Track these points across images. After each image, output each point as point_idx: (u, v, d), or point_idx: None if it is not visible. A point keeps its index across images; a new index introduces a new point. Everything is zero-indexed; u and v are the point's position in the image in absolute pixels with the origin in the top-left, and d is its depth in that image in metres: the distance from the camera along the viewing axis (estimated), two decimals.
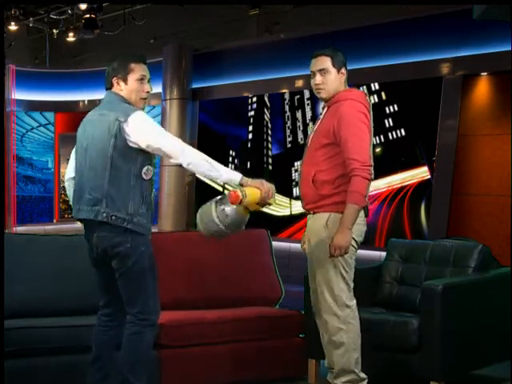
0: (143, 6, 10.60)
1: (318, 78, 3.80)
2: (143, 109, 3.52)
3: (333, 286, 3.71)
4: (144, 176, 3.35)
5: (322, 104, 4.00)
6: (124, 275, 3.38)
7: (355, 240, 3.72)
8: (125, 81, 3.46)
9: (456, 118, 7.53)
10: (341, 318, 3.71)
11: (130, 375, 3.38)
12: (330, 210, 3.73)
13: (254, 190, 3.29)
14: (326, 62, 3.80)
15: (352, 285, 3.77)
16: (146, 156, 3.36)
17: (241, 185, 3.30)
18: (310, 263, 3.89)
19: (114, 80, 3.48)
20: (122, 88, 3.46)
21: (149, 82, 3.52)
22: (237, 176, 3.33)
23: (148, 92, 3.49)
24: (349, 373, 3.75)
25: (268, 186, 3.32)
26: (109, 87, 3.52)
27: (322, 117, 3.87)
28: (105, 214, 3.32)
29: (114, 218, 3.31)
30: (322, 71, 3.79)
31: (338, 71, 3.81)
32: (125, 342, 3.41)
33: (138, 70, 3.46)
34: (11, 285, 3.93)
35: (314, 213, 3.80)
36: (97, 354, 3.53)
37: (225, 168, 3.33)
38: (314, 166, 3.78)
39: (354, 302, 3.76)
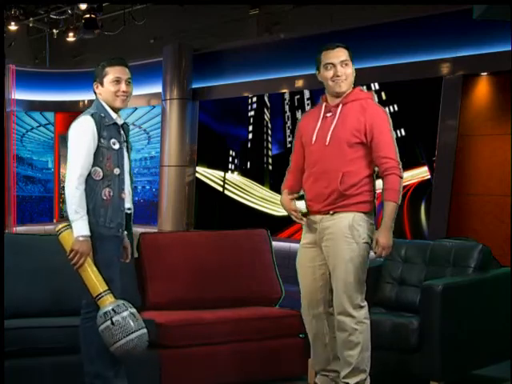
0: (143, 6, 10.60)
1: (341, 70, 3.76)
2: (118, 110, 3.68)
3: (351, 287, 3.70)
4: (94, 176, 3.54)
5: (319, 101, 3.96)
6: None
7: (372, 240, 3.73)
8: (101, 84, 3.66)
9: (456, 117, 7.53)
10: (356, 318, 3.71)
11: (98, 366, 3.52)
12: (355, 209, 3.73)
13: (70, 243, 3.48)
14: (345, 54, 3.81)
15: (365, 287, 3.77)
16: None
17: (77, 237, 3.46)
18: (315, 262, 3.86)
19: (94, 85, 3.70)
20: (100, 91, 3.67)
21: (129, 83, 3.67)
22: (76, 231, 3.47)
23: (125, 92, 3.64)
24: (360, 372, 3.76)
25: (79, 256, 3.46)
26: (94, 93, 3.73)
27: (337, 115, 3.77)
28: (64, 210, 3.62)
29: (65, 214, 3.57)
30: (344, 62, 3.78)
31: (353, 64, 3.83)
32: (80, 337, 3.59)
33: (112, 73, 3.64)
34: (11, 285, 3.93)
35: (334, 213, 3.75)
36: (84, 350, 3.62)
37: (80, 219, 3.46)
38: (341, 165, 3.71)
39: (366, 303, 3.77)
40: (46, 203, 12.28)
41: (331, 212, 3.75)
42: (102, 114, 3.59)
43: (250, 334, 4.33)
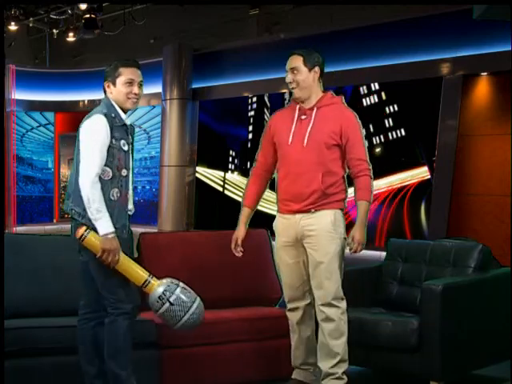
0: (143, 6, 10.60)
1: (289, 77, 3.93)
2: (127, 111, 3.69)
3: (336, 280, 3.85)
4: (103, 176, 3.51)
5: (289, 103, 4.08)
6: (90, 265, 3.57)
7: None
8: (114, 84, 3.64)
9: (456, 117, 7.53)
10: (340, 308, 3.86)
11: (112, 364, 3.54)
12: (335, 207, 3.89)
13: (97, 245, 3.44)
14: (297, 61, 3.93)
15: None
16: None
17: (105, 236, 3.43)
18: (298, 258, 3.96)
19: (105, 84, 3.68)
20: (111, 91, 3.65)
21: (141, 85, 3.67)
22: (102, 229, 3.43)
23: (136, 94, 3.65)
24: (344, 362, 3.88)
25: (113, 254, 3.42)
26: (104, 92, 3.71)
27: (312, 118, 3.90)
28: (69, 208, 3.57)
29: (73, 211, 3.55)
30: (293, 70, 3.92)
31: (310, 70, 3.92)
32: (105, 333, 3.59)
33: (126, 74, 3.63)
34: (11, 285, 3.93)
35: (316, 211, 3.88)
36: (82, 350, 3.67)
37: (104, 217, 3.43)
38: (320, 166, 3.86)
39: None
40: (45, 203, 12.28)
41: (313, 210, 3.89)
42: (113, 115, 3.58)
43: (249, 334, 4.33)
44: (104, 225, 3.44)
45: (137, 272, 3.51)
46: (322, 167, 3.86)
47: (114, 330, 3.53)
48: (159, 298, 3.47)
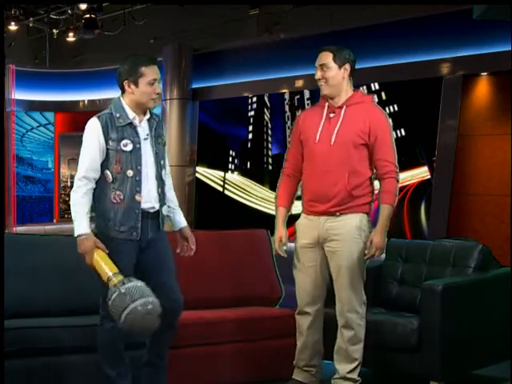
0: (143, 6, 10.60)
1: (318, 73, 3.86)
2: (146, 109, 3.59)
3: (358, 285, 3.84)
4: (106, 179, 3.48)
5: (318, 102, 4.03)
6: None
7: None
8: (136, 84, 3.50)
9: (456, 117, 7.54)
10: (360, 314, 3.85)
11: (102, 364, 3.55)
12: (361, 210, 3.84)
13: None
14: (326, 57, 3.85)
15: None
16: (103, 160, 3.49)
17: (77, 237, 3.44)
18: (317, 262, 3.92)
19: (125, 83, 3.52)
20: (132, 91, 3.51)
21: (159, 82, 3.56)
22: (76, 231, 3.44)
23: (158, 93, 3.55)
24: (360, 365, 3.88)
25: (83, 256, 3.43)
26: (121, 90, 3.58)
27: (341, 116, 3.83)
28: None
29: None
30: (322, 66, 3.85)
31: (340, 67, 3.84)
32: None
33: (150, 74, 3.50)
34: (11, 285, 3.93)
35: (341, 214, 3.82)
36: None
37: (78, 219, 3.43)
38: (346, 166, 3.79)
39: None
40: (46, 203, 12.28)
41: (338, 214, 3.82)
42: (118, 115, 3.48)
43: (249, 334, 4.33)
44: (77, 226, 3.43)
45: (103, 269, 3.38)
46: (348, 167, 3.77)
47: (100, 331, 3.52)
48: (114, 286, 3.29)
